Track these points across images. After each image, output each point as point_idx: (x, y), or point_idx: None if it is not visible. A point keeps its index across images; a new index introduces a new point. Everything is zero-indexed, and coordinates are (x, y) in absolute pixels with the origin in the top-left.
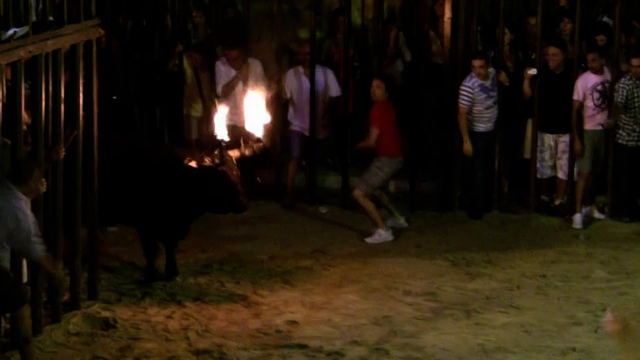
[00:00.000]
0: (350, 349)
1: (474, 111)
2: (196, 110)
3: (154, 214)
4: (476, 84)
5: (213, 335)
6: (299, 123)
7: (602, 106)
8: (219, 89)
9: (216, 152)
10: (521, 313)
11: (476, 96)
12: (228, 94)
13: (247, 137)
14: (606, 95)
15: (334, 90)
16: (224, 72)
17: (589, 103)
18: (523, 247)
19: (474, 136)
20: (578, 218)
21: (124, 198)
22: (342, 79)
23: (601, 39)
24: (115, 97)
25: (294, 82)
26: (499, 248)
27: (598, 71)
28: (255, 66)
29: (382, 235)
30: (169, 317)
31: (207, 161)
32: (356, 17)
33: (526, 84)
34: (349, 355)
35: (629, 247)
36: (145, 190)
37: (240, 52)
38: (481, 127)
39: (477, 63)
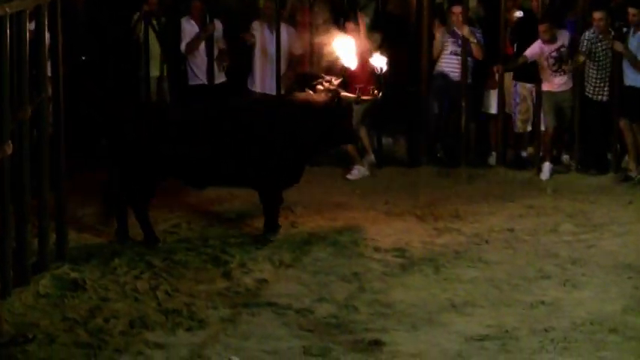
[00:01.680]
0: (319, 306)
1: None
2: (155, 70)
3: (279, 164)
4: (448, 30)
5: (182, 295)
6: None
7: (560, 70)
8: (182, 46)
9: (327, 84)
10: (489, 268)
11: (444, 39)
12: (192, 51)
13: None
14: (562, 60)
15: (297, 48)
16: (188, 29)
17: (546, 69)
18: (491, 202)
19: (434, 77)
20: (546, 168)
21: (241, 157)
22: (308, 36)
23: None
24: (84, 58)
25: (259, 35)
26: (467, 203)
27: (550, 41)
28: (219, 26)
29: (360, 170)
30: (138, 277)
31: (322, 95)
32: None
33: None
34: (318, 312)
35: (596, 199)
36: (268, 140)
37: (203, 4)
38: (443, 68)
39: (456, 9)
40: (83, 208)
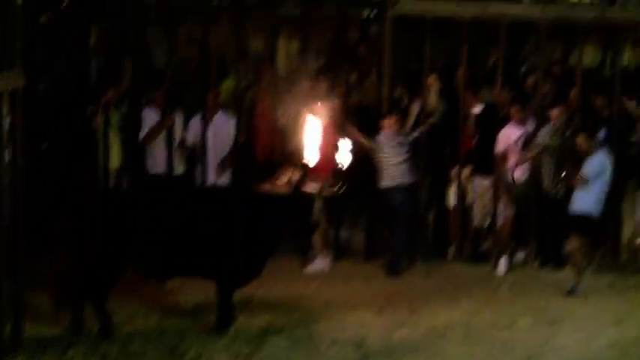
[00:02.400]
0: None
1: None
2: (115, 161)
3: (239, 256)
4: (389, 139)
5: None
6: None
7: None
8: (142, 135)
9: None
10: None
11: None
12: (150, 142)
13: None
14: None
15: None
16: (149, 118)
17: (511, 156)
18: (448, 296)
19: (392, 189)
20: (503, 263)
21: (199, 247)
22: (268, 127)
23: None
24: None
25: (196, 129)
26: (424, 296)
27: (520, 123)
28: (179, 117)
29: (322, 262)
30: None
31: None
32: (281, 66)
33: (471, 122)
34: None
35: (553, 295)
36: (230, 232)
37: (166, 95)
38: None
39: (386, 123)
40: (40, 297)
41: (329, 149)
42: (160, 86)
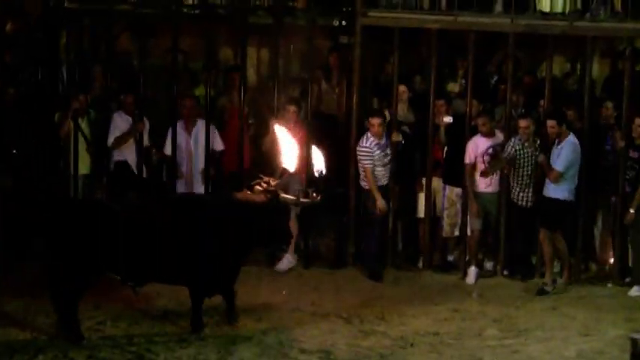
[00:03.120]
0: None
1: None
2: (85, 168)
3: (212, 263)
4: (373, 143)
5: None
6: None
7: (490, 174)
8: (111, 140)
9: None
10: None
11: (375, 155)
12: (120, 146)
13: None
14: (497, 157)
15: (217, 144)
16: (119, 122)
17: (480, 167)
18: (416, 305)
19: (370, 193)
20: (471, 272)
21: (174, 254)
22: (238, 136)
23: None
24: (14, 151)
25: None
26: (392, 305)
27: (488, 134)
28: (147, 125)
29: (290, 260)
30: None
31: (261, 196)
32: (251, 74)
33: (442, 132)
34: None
35: (521, 305)
36: (206, 239)
37: (134, 99)
38: (378, 183)
39: (375, 121)
40: (9, 303)
41: (304, 156)
42: (129, 92)
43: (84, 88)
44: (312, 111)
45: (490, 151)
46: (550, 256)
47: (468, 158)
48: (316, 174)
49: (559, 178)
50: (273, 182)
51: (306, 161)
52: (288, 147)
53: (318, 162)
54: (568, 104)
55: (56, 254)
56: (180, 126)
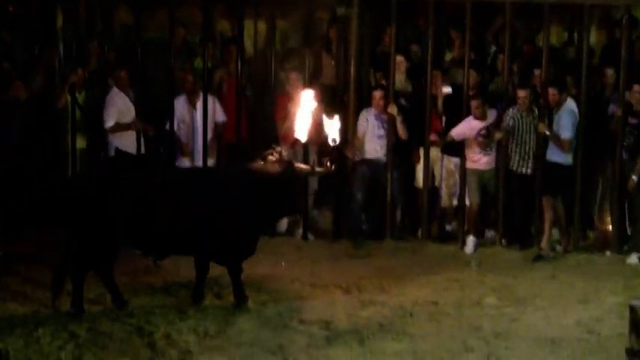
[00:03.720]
0: None
1: (366, 138)
2: (82, 142)
3: (229, 235)
4: (372, 113)
5: None
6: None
7: (488, 150)
8: (110, 122)
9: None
10: (413, 341)
11: (370, 124)
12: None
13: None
14: (490, 137)
15: (220, 115)
16: (116, 101)
17: (475, 148)
18: (415, 275)
19: (359, 163)
20: (470, 242)
21: (194, 226)
22: (235, 108)
23: None
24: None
25: (180, 112)
26: (391, 276)
27: (481, 117)
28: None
29: None
30: (62, 348)
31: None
32: (248, 46)
33: (440, 103)
34: None
35: (520, 274)
36: (227, 210)
37: (128, 74)
38: (368, 154)
39: (377, 94)
40: (8, 277)
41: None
42: (123, 67)
43: (81, 63)
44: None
45: (483, 132)
46: (550, 223)
47: (462, 136)
48: (330, 143)
49: (570, 144)
50: (284, 152)
51: (319, 130)
52: (300, 116)
53: (333, 131)
54: (566, 72)
55: (81, 231)
56: (183, 100)
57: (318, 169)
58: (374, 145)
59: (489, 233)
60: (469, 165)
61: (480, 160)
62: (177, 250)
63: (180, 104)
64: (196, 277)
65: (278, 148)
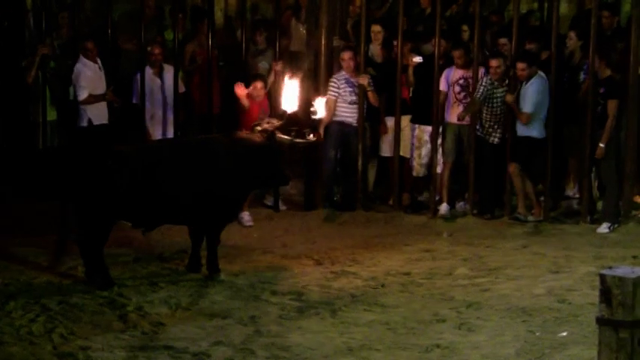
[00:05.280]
0: (216, 349)
1: (337, 104)
2: (52, 114)
3: (217, 204)
4: (342, 77)
5: (78, 338)
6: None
7: (463, 100)
8: (84, 94)
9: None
10: (385, 311)
11: (340, 88)
12: (92, 103)
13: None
14: (467, 90)
15: (181, 86)
16: (86, 72)
17: (450, 96)
18: (387, 245)
19: (331, 124)
20: (444, 207)
21: (182, 196)
22: (206, 80)
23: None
24: None
25: (148, 84)
26: (364, 246)
27: (463, 67)
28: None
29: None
30: (33, 320)
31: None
32: (219, 17)
33: (410, 72)
34: (215, 356)
35: (492, 244)
36: (209, 180)
37: (94, 44)
38: (340, 117)
39: (345, 55)
40: None
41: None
42: (89, 38)
43: (51, 35)
44: (282, 51)
45: (461, 81)
46: (520, 188)
47: (442, 85)
48: (312, 116)
49: (529, 118)
50: (276, 123)
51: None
52: (289, 89)
53: (317, 104)
54: (531, 39)
55: (84, 203)
56: (150, 72)
57: (298, 140)
58: (345, 111)
59: (459, 204)
60: (448, 119)
61: (455, 112)
62: (167, 220)
63: (147, 76)
64: (192, 246)
65: (267, 119)
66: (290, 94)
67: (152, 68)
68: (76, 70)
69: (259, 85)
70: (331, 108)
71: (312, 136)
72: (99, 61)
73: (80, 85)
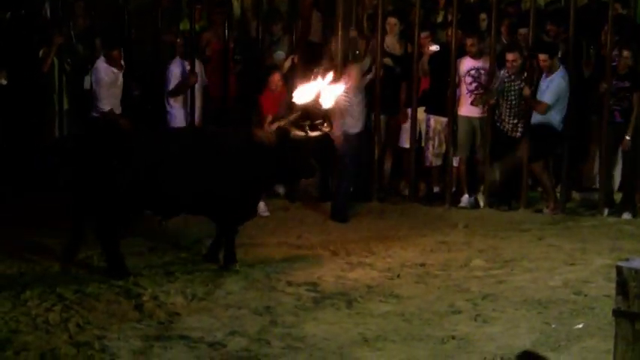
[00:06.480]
0: (231, 339)
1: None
2: (66, 103)
3: (237, 196)
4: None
5: (93, 327)
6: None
7: (474, 91)
8: (105, 107)
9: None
10: (401, 302)
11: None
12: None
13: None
14: (479, 81)
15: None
16: (104, 71)
17: (462, 87)
18: (403, 237)
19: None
20: (465, 198)
21: (201, 186)
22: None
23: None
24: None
25: (179, 74)
26: (379, 238)
27: (475, 56)
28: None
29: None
30: (49, 310)
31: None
32: (236, 8)
33: (425, 60)
34: (230, 346)
35: (507, 235)
36: (229, 171)
37: (120, 51)
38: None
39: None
40: None
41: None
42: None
43: (67, 24)
44: (301, 41)
45: (473, 72)
46: (549, 184)
47: (459, 75)
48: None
49: (546, 110)
50: (290, 118)
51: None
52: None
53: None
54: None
55: (102, 192)
56: (178, 63)
57: (313, 133)
58: (355, 121)
59: (473, 197)
60: (461, 112)
61: (468, 103)
62: (187, 209)
63: (176, 67)
64: (225, 241)
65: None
66: (307, 89)
67: (182, 59)
68: (96, 77)
69: (277, 77)
70: (342, 116)
71: (325, 125)
72: (122, 63)
73: (101, 94)
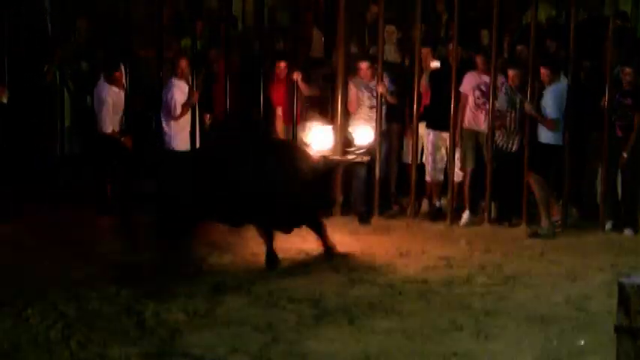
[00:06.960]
0: (233, 356)
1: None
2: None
3: (290, 207)
4: (359, 82)
5: (95, 345)
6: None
7: (482, 106)
8: (108, 128)
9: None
10: (403, 319)
11: (360, 94)
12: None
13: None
14: (487, 96)
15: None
16: (106, 91)
17: (470, 101)
18: (404, 253)
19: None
20: (466, 215)
21: (260, 197)
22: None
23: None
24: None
25: (180, 97)
26: (381, 254)
27: (485, 72)
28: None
29: None
30: (51, 327)
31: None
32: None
33: (425, 77)
34: None
35: (509, 251)
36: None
37: (121, 71)
38: (360, 121)
39: (362, 65)
40: None
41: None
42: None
43: (69, 38)
44: (303, 58)
45: (482, 87)
46: (542, 198)
47: (462, 88)
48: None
49: (555, 124)
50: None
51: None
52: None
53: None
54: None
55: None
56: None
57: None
58: (365, 117)
59: (478, 212)
60: (466, 126)
61: (477, 117)
62: (250, 220)
63: (177, 90)
64: (266, 244)
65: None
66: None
67: (180, 80)
68: (98, 97)
69: (282, 64)
70: (351, 109)
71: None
72: (125, 83)
73: (104, 117)
